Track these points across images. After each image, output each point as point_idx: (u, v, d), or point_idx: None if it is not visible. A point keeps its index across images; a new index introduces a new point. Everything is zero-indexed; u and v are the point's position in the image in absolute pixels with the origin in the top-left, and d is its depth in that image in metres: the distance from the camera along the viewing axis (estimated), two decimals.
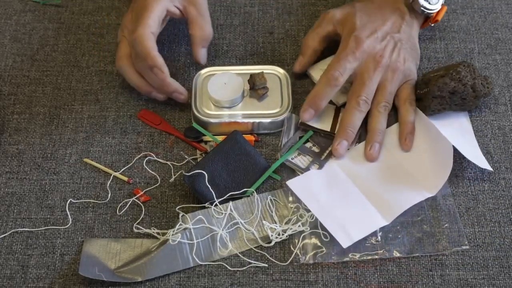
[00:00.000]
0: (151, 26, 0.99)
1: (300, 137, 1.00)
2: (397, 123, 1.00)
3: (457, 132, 0.99)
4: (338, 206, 0.93)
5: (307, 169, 0.97)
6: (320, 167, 0.97)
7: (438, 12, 1.06)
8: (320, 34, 1.05)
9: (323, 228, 0.92)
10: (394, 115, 1.01)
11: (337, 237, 0.90)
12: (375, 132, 0.98)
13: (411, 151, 0.98)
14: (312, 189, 0.94)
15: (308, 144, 1.00)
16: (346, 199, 0.94)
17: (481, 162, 0.97)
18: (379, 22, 1.02)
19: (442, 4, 1.06)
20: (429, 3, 1.04)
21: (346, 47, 1.00)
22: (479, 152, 0.99)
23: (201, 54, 1.04)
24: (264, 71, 1.03)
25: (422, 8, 1.04)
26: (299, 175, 0.97)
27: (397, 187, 0.95)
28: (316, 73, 1.06)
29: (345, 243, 0.90)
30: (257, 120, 1.00)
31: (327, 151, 0.99)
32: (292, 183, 0.95)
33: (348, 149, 0.99)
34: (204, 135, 1.00)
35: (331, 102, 1.03)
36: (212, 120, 1.00)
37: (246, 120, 1.00)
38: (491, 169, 0.97)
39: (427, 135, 0.98)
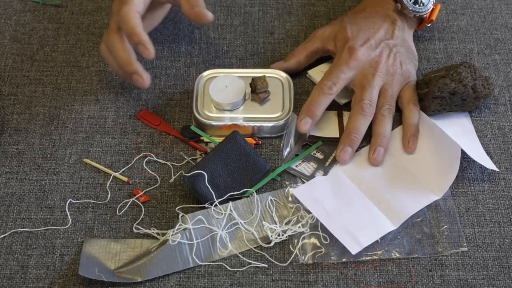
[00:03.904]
0: (136, 5, 0.97)
1: (303, 145, 1.00)
2: (400, 126, 1.00)
3: (459, 132, 0.99)
4: (345, 212, 0.93)
5: (312, 176, 0.97)
6: (325, 173, 0.97)
7: (432, 12, 1.06)
8: (309, 49, 1.06)
9: (324, 230, 0.92)
10: (396, 118, 1.01)
11: (346, 244, 0.89)
12: (379, 136, 0.98)
13: (415, 153, 0.98)
14: (317, 196, 0.94)
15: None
16: (353, 205, 0.94)
17: (487, 162, 0.97)
18: (371, 30, 1.02)
19: (435, 3, 1.06)
20: (420, 5, 1.04)
21: (340, 58, 1.00)
22: (483, 152, 0.99)
23: (202, 13, 0.98)
24: (266, 75, 1.03)
25: (413, 12, 1.04)
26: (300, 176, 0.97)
27: (403, 191, 0.95)
28: (316, 75, 1.06)
29: (354, 249, 0.89)
30: (258, 124, 1.00)
31: (331, 157, 0.99)
32: (297, 192, 0.95)
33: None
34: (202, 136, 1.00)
35: (333, 106, 1.02)
36: (213, 123, 1.00)
37: (247, 124, 1.00)
38: (497, 169, 0.97)
39: (431, 136, 0.98)
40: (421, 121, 0.99)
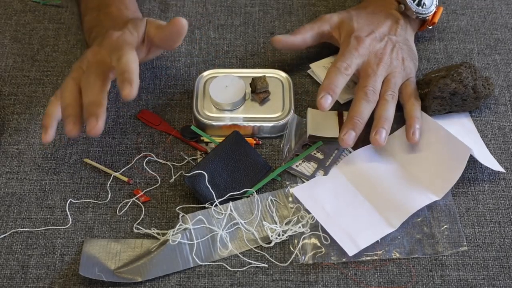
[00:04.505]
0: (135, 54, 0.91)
1: (303, 145, 1.00)
2: (400, 128, 1.00)
3: (462, 132, 0.98)
4: (344, 213, 0.93)
5: (312, 176, 0.97)
6: (326, 173, 0.97)
7: (434, 15, 1.06)
8: (315, 29, 1.05)
9: (324, 231, 0.92)
10: (396, 120, 1.00)
11: (343, 246, 0.89)
12: (381, 118, 0.96)
13: (417, 154, 0.97)
14: (317, 196, 0.94)
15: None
16: (352, 206, 0.94)
17: (493, 164, 0.97)
18: (375, 24, 1.03)
19: (437, 6, 1.06)
20: (423, 7, 1.05)
21: (348, 45, 1.00)
22: (488, 153, 0.99)
23: (174, 21, 0.93)
24: (266, 75, 1.03)
25: (416, 14, 1.05)
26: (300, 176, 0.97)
27: (403, 192, 0.94)
28: (317, 69, 1.06)
29: (351, 251, 0.89)
30: (258, 124, 1.00)
31: (332, 157, 0.99)
32: (297, 191, 0.94)
33: (351, 152, 0.98)
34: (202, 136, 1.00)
35: (333, 106, 1.02)
36: (213, 123, 1.00)
37: (247, 124, 1.00)
38: (503, 170, 0.97)
39: (436, 138, 0.97)
40: (424, 122, 0.99)
